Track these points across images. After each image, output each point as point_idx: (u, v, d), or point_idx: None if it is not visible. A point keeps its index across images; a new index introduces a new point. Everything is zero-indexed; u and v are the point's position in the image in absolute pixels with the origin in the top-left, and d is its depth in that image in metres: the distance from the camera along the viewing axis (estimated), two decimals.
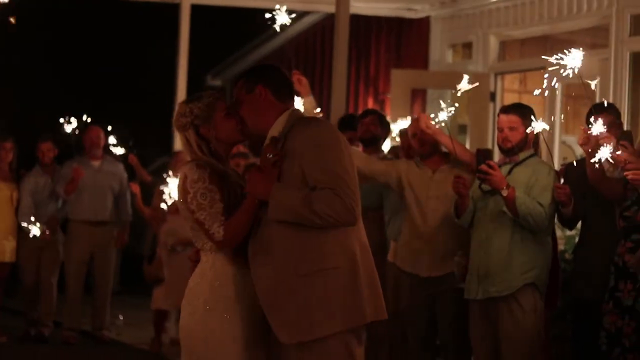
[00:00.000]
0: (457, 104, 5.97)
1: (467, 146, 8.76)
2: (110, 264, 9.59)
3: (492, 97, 9.79)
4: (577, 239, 6.23)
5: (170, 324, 9.14)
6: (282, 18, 6.18)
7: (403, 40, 11.01)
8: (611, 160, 5.05)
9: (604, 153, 5.02)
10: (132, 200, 9.65)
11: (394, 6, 10.73)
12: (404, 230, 6.50)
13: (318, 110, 6.18)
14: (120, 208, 9.57)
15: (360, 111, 9.40)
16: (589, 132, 5.22)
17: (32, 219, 9.11)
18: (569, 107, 9.08)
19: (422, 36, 10.63)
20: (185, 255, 8.19)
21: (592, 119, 5.24)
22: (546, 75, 5.14)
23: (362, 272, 3.96)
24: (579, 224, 6.04)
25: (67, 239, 9.45)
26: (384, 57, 11.29)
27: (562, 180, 5.69)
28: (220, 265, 4.07)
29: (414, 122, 6.53)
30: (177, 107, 4.24)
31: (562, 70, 5.07)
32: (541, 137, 5.92)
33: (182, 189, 4.08)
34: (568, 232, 6.90)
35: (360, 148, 7.10)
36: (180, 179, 4.12)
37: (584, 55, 5.07)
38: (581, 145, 5.45)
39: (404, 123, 8.03)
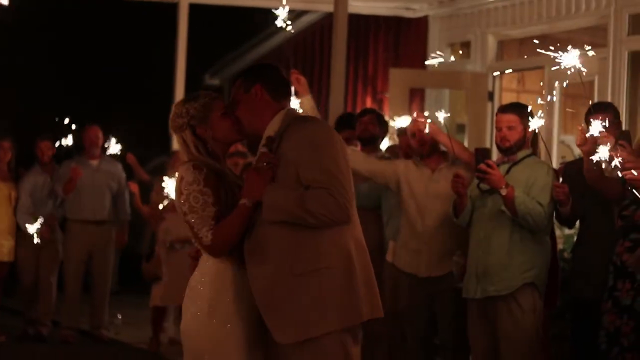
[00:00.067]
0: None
1: (466, 145, 8.76)
2: (108, 263, 9.59)
3: (490, 96, 9.80)
4: (575, 238, 6.23)
5: (168, 323, 9.15)
6: (283, 15, 6.22)
7: (401, 40, 11.01)
8: (609, 161, 5.05)
9: (603, 153, 5.02)
10: (130, 200, 9.66)
11: (392, 5, 10.73)
12: (402, 230, 6.50)
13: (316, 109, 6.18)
14: (118, 207, 9.57)
15: (358, 110, 9.40)
16: (586, 132, 5.22)
17: (31, 216, 9.11)
18: (567, 108, 9.08)
19: (420, 35, 10.63)
20: (184, 253, 8.23)
21: (591, 119, 5.24)
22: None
23: (358, 271, 3.95)
24: (578, 223, 6.04)
25: (66, 238, 9.45)
26: (383, 56, 11.29)
27: (560, 180, 5.69)
28: (221, 264, 4.07)
29: (413, 121, 6.53)
30: (173, 108, 4.23)
31: (562, 66, 5.06)
32: (539, 136, 5.92)
33: (177, 189, 4.08)
34: (567, 231, 6.90)
35: (358, 147, 7.10)
36: (177, 179, 4.12)
37: (582, 54, 5.07)
38: (579, 146, 5.45)
39: (402, 120, 8.04)
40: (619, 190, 5.42)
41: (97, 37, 16.47)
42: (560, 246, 6.83)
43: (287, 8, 6.46)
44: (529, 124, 5.54)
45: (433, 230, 6.29)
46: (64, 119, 9.33)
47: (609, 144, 5.05)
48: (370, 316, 4.00)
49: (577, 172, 5.70)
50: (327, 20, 11.52)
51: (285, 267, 3.91)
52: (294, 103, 5.99)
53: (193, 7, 10.57)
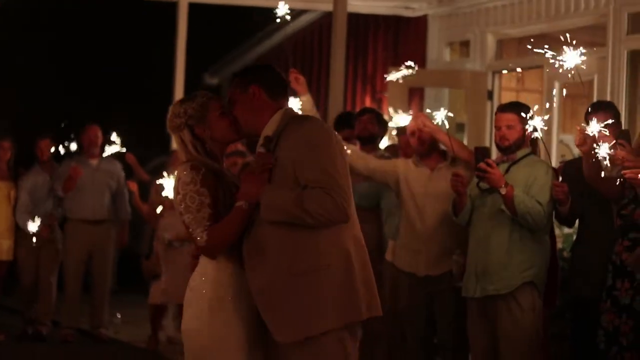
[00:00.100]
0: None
1: (465, 144, 8.75)
2: (108, 262, 9.58)
3: (490, 95, 9.79)
4: (574, 237, 6.22)
5: (167, 321, 9.14)
6: (282, 11, 6.23)
7: (400, 39, 11.01)
8: (608, 161, 5.05)
9: (603, 151, 5.02)
10: (130, 199, 9.66)
11: (391, 4, 10.72)
12: (401, 229, 6.49)
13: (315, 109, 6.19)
14: (118, 206, 9.57)
15: (357, 109, 9.40)
16: (585, 132, 5.22)
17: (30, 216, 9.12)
18: (566, 107, 9.09)
19: (420, 34, 10.62)
20: (182, 251, 8.25)
21: (590, 118, 5.24)
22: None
23: (357, 270, 3.96)
24: (577, 222, 6.04)
25: (66, 238, 9.44)
26: (382, 55, 11.28)
27: (560, 179, 5.68)
28: (221, 264, 4.06)
29: (413, 120, 6.52)
30: (170, 109, 4.23)
31: (562, 64, 5.06)
32: (538, 136, 5.91)
33: (175, 189, 4.09)
34: (566, 230, 6.90)
35: (357, 146, 7.10)
36: (175, 179, 4.12)
37: (581, 54, 5.07)
38: (578, 145, 5.45)
39: (401, 117, 8.04)
40: (618, 190, 5.42)
41: (96, 37, 16.48)
42: (559, 245, 6.82)
43: (286, 5, 6.45)
44: (531, 125, 5.51)
45: (432, 229, 6.28)
46: (65, 122, 9.35)
47: (608, 142, 5.06)
48: (370, 315, 4.00)
49: (577, 172, 5.70)
50: (326, 19, 11.52)
51: (284, 267, 3.91)
52: (294, 103, 6.00)
53: (192, 7, 10.58)
